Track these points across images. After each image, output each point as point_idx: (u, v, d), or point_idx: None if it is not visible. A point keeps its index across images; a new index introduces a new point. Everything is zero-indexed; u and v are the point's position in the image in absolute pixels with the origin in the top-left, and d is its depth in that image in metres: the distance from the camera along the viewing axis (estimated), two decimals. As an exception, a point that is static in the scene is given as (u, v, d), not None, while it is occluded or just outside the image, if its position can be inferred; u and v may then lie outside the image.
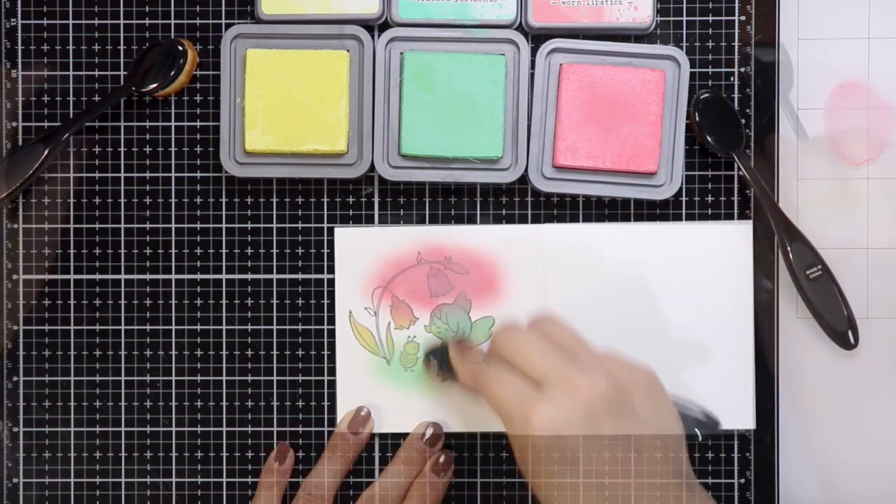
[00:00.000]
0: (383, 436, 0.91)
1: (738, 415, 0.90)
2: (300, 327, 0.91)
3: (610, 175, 0.89)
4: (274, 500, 0.89)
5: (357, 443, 0.89)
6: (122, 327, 0.91)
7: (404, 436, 0.90)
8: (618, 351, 0.81)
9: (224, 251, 0.91)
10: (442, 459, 0.89)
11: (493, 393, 0.79)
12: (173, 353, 0.91)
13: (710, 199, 0.90)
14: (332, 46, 0.89)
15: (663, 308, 0.89)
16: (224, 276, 0.91)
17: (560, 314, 0.84)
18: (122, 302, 0.91)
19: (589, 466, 0.76)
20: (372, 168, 0.89)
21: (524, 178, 0.89)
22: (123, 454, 0.91)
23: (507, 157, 0.89)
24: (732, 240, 0.90)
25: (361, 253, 0.90)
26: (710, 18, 0.90)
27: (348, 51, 0.88)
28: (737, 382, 0.89)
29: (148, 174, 0.91)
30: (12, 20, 0.91)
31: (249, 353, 0.91)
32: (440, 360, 0.87)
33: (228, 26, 0.89)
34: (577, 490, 0.76)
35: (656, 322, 0.89)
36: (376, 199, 0.91)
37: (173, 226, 0.91)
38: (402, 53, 0.88)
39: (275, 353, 0.91)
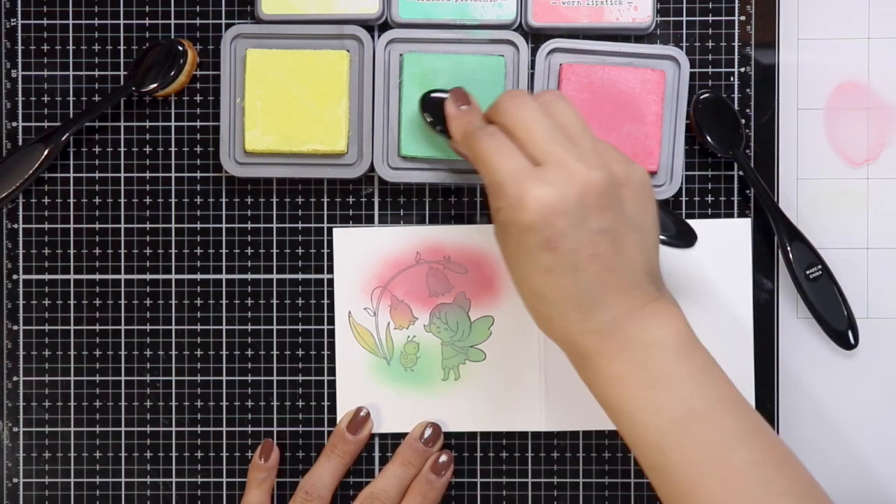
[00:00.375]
0: (383, 436, 0.91)
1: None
2: (300, 327, 0.91)
3: (610, 175, 0.89)
4: (264, 496, 0.89)
5: (356, 443, 0.89)
6: (122, 327, 0.91)
7: (404, 436, 0.90)
8: (614, 146, 0.78)
9: (224, 251, 0.91)
10: (441, 459, 0.89)
11: (488, 161, 0.76)
12: (173, 353, 0.91)
13: (709, 198, 0.90)
14: (332, 46, 0.89)
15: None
16: (224, 276, 0.91)
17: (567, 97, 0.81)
18: (122, 302, 0.91)
19: (572, 257, 0.74)
20: (372, 168, 0.89)
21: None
22: (123, 454, 0.91)
23: (506, 157, 0.89)
24: (731, 236, 0.90)
25: (360, 253, 0.90)
26: (710, 18, 0.90)
27: (348, 51, 0.88)
28: (736, 379, 0.89)
29: (148, 174, 0.91)
30: (12, 20, 0.91)
31: (249, 353, 0.91)
32: (435, 113, 0.85)
33: (228, 26, 0.89)
34: (555, 277, 0.74)
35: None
36: (376, 199, 0.91)
37: (173, 226, 0.91)
38: (401, 55, 0.88)
39: (275, 353, 0.91)
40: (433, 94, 0.85)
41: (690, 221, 0.89)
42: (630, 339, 0.75)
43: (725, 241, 0.90)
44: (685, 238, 0.87)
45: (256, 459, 0.90)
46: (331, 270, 0.91)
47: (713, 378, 0.75)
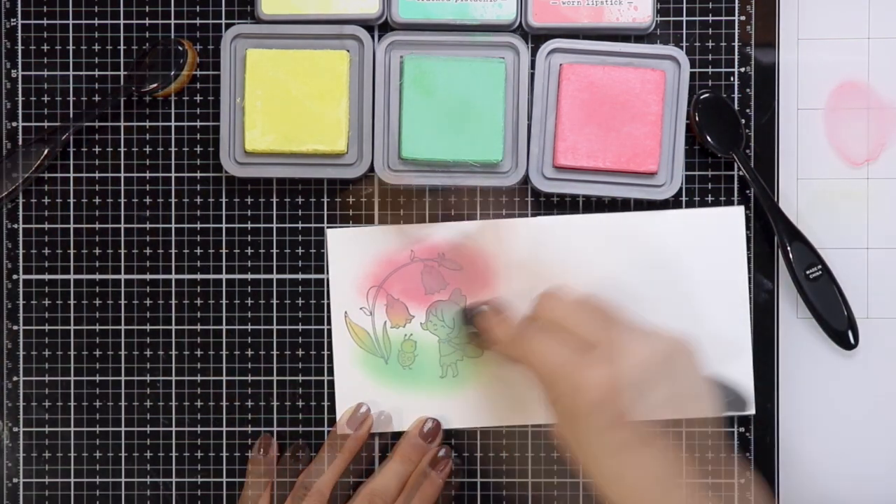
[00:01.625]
0: (382, 435, 0.91)
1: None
2: (300, 327, 0.91)
3: (610, 175, 0.89)
4: (265, 490, 0.89)
5: (356, 440, 0.89)
6: (122, 327, 0.91)
7: (403, 434, 0.90)
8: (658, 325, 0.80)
9: (224, 251, 0.91)
10: (440, 455, 0.89)
11: (538, 356, 0.77)
12: (173, 353, 0.91)
13: (710, 199, 0.90)
14: (332, 46, 0.89)
15: (660, 302, 0.89)
16: (224, 276, 0.91)
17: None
18: (122, 302, 0.91)
19: (639, 428, 0.75)
20: (371, 168, 0.89)
21: (524, 179, 0.89)
22: (123, 454, 0.91)
23: (507, 160, 0.89)
24: (725, 224, 0.89)
25: (354, 253, 0.90)
26: (710, 18, 0.90)
27: (348, 51, 0.88)
28: (735, 367, 0.89)
29: (148, 174, 0.91)
30: (12, 20, 0.91)
31: (249, 353, 0.91)
32: (474, 324, 0.86)
33: (228, 26, 0.89)
34: (627, 454, 0.75)
35: (652, 314, 0.89)
36: (376, 199, 0.91)
37: (173, 226, 0.91)
38: (401, 58, 0.88)
39: (274, 352, 0.91)
40: (471, 308, 0.87)
41: (685, 211, 0.89)
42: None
43: (719, 228, 0.89)
44: (737, 403, 0.87)
45: (255, 453, 0.90)
46: (328, 270, 0.91)
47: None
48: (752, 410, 0.88)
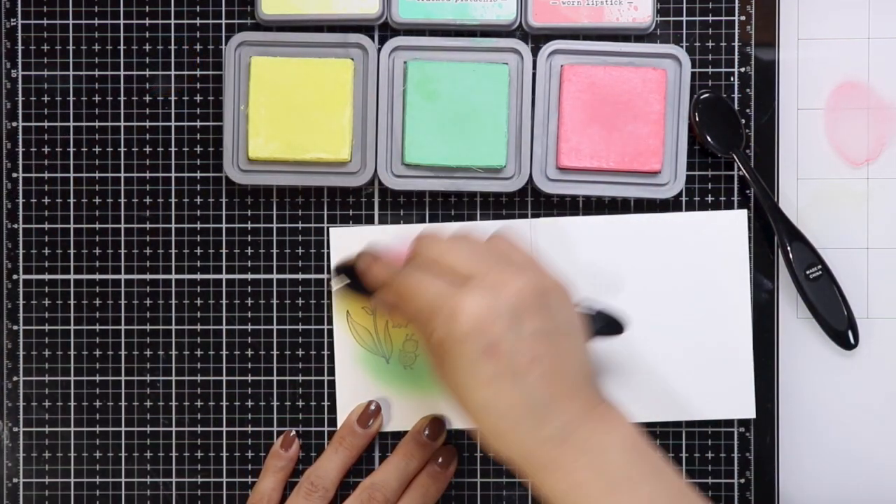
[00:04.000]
0: (383, 434, 0.91)
1: (738, 406, 0.89)
2: (300, 327, 0.91)
3: (614, 175, 0.89)
4: (280, 485, 0.89)
5: (365, 436, 0.89)
6: (122, 327, 0.91)
7: (405, 434, 0.90)
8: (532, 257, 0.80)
9: (224, 251, 0.91)
10: (444, 453, 0.89)
11: (414, 292, 0.77)
12: (173, 353, 0.91)
13: (709, 199, 0.90)
14: (335, 55, 0.89)
15: (660, 302, 0.89)
16: (224, 276, 0.91)
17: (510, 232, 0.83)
18: (122, 302, 0.91)
19: (512, 362, 0.75)
20: (375, 177, 0.89)
21: (528, 182, 0.89)
22: (123, 454, 0.91)
23: (510, 166, 0.89)
24: (728, 228, 0.90)
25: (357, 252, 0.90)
26: (710, 18, 0.90)
27: (352, 59, 0.88)
28: (737, 374, 0.89)
29: (148, 174, 0.91)
30: (12, 20, 0.91)
31: (249, 353, 0.91)
32: (350, 275, 0.87)
33: (229, 27, 0.89)
34: (499, 385, 0.75)
35: (654, 317, 0.89)
36: (376, 199, 0.91)
37: (173, 226, 0.91)
38: (405, 63, 0.89)
39: (274, 352, 0.91)
40: (341, 264, 0.88)
41: (688, 214, 0.89)
42: (586, 444, 0.75)
43: (722, 232, 0.90)
44: (613, 327, 0.86)
45: (277, 448, 0.90)
46: (329, 270, 0.91)
47: (667, 476, 0.76)
48: (627, 330, 0.86)
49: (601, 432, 0.75)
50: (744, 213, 0.90)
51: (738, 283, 0.89)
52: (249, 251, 0.91)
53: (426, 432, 0.89)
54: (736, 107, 0.90)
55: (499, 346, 0.74)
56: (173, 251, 0.91)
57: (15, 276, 0.91)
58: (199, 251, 0.91)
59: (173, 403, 0.91)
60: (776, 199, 0.89)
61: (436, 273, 0.77)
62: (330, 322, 0.91)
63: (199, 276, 0.91)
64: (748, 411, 0.89)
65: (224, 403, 0.91)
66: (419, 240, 0.81)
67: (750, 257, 0.90)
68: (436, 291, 0.76)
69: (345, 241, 0.90)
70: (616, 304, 0.86)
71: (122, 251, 0.91)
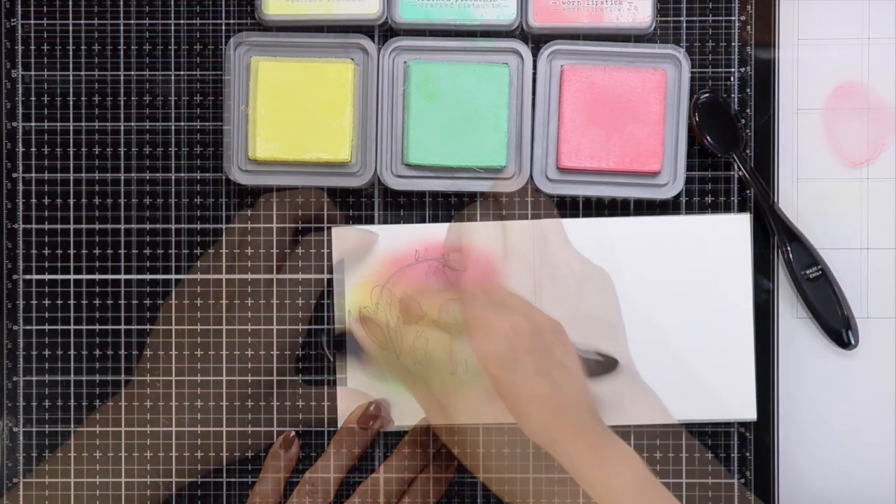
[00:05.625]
0: (385, 434, 0.91)
1: (739, 408, 0.89)
2: (300, 327, 0.91)
3: (614, 176, 0.89)
4: (279, 485, 0.90)
5: (364, 438, 0.89)
6: (122, 327, 0.91)
7: (405, 434, 0.90)
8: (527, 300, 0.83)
9: (224, 251, 0.91)
10: (445, 453, 0.89)
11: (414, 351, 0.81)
12: (173, 353, 0.91)
13: (709, 199, 0.90)
14: (336, 56, 0.89)
15: (661, 304, 0.89)
16: (224, 276, 0.91)
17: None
18: (122, 302, 0.91)
19: (511, 399, 0.78)
20: (375, 177, 0.89)
21: (528, 182, 0.89)
22: (123, 454, 0.91)
23: (510, 166, 0.89)
24: (730, 232, 0.90)
25: (359, 252, 0.90)
26: (710, 19, 0.90)
27: (353, 59, 0.88)
28: (738, 377, 0.89)
29: (148, 174, 0.91)
30: (12, 20, 0.91)
31: (249, 353, 0.91)
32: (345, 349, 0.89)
33: (229, 27, 0.89)
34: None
35: (655, 319, 0.90)
36: (377, 199, 0.91)
37: (173, 226, 0.91)
38: (406, 63, 0.89)
39: (275, 352, 0.91)
40: (336, 334, 0.90)
41: (689, 217, 0.89)
42: (592, 481, 0.77)
43: (724, 235, 0.90)
44: (605, 365, 0.87)
45: (277, 448, 0.90)
46: (331, 270, 0.91)
47: None
48: (619, 367, 0.87)
49: (609, 470, 0.77)
50: (746, 217, 0.90)
51: (740, 286, 0.89)
52: (249, 251, 0.91)
53: (426, 434, 0.90)
54: (735, 107, 0.90)
55: (497, 386, 0.78)
56: (173, 251, 0.91)
57: (15, 276, 0.91)
58: (199, 251, 0.91)
59: (173, 403, 0.91)
60: (775, 200, 0.89)
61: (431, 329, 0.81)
62: (330, 322, 0.91)
63: (199, 276, 0.91)
64: (749, 413, 0.89)
65: (224, 403, 0.91)
66: (403, 303, 0.84)
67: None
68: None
69: (345, 241, 0.90)
70: (606, 346, 0.87)
71: (122, 251, 0.91)
